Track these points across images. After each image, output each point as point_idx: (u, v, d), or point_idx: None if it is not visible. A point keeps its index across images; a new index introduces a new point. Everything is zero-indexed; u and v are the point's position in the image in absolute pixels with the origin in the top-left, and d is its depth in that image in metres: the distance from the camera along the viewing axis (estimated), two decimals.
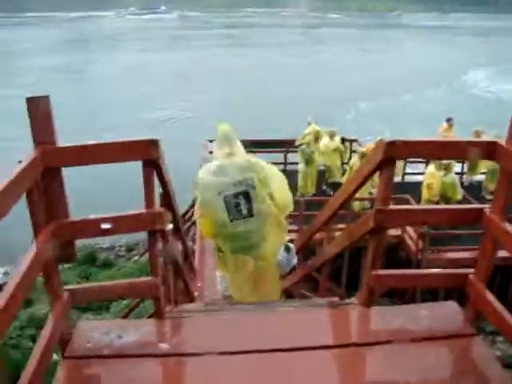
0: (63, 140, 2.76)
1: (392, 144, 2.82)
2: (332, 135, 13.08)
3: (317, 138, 13.14)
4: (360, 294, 3.33)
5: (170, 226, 3.26)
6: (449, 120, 13.75)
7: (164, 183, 3.37)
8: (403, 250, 11.47)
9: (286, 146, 14.66)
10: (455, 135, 13.68)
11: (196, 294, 6.58)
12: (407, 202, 11.12)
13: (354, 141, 15.00)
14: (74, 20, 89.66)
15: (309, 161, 12.64)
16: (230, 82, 38.41)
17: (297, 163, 14.64)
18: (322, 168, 13.42)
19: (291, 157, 14.80)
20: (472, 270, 2.99)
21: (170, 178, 3.56)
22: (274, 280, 4.44)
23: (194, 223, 11.13)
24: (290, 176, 14.06)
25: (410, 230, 11.22)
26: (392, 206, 3.03)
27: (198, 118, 28.52)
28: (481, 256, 2.90)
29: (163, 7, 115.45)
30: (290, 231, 10.54)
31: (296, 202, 10.82)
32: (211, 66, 43.65)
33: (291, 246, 4.44)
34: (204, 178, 3.90)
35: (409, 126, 26.48)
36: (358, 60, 48.17)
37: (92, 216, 2.90)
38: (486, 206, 2.88)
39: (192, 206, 12.90)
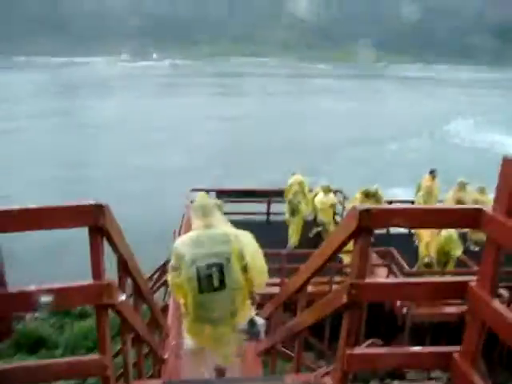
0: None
1: (367, 212, 2.53)
2: (327, 190, 12.60)
3: (302, 188, 12.94)
4: (333, 374, 2.99)
5: (123, 297, 2.87)
6: (432, 172, 13.54)
7: (117, 250, 3.03)
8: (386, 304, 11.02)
9: (270, 195, 14.42)
10: (438, 186, 13.56)
11: (166, 355, 6.12)
12: (391, 257, 10.80)
13: (339, 191, 14.72)
14: (65, 65, 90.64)
15: (295, 211, 12.53)
16: (220, 130, 38.56)
17: (280, 213, 14.47)
18: (309, 219, 13.24)
19: (274, 207, 14.60)
20: (457, 348, 2.67)
21: (126, 243, 3.23)
22: (235, 343, 4.31)
23: (164, 283, 10.85)
24: (273, 226, 14.06)
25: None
26: (368, 280, 2.71)
27: (188, 166, 28.32)
28: (467, 335, 2.58)
29: (155, 55, 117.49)
30: (272, 284, 10.43)
31: (278, 254, 10.80)
32: (202, 114, 43.89)
33: (256, 320, 4.26)
34: (179, 247, 3.86)
35: (394, 173, 26.49)
36: (345, 109, 48.74)
37: (31, 286, 2.55)
38: (472, 279, 2.57)
39: (161, 266, 12.70)
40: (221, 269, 3.78)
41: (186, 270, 3.78)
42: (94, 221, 2.48)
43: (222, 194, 13.86)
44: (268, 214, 14.56)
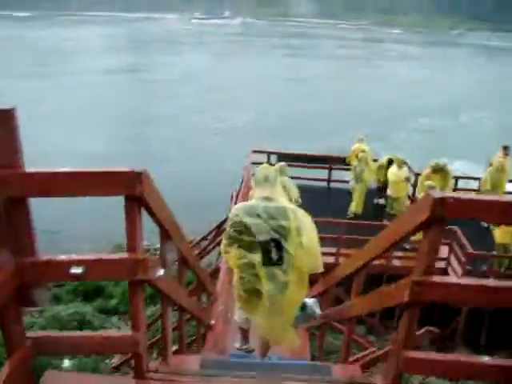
0: None
1: (442, 201, 2.13)
2: (401, 164, 11.81)
3: (364, 156, 12.40)
4: (385, 374, 2.65)
5: (161, 272, 2.62)
6: (505, 148, 12.61)
7: (157, 221, 2.76)
8: None
9: (331, 162, 13.95)
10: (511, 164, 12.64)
11: (213, 321, 5.96)
12: (454, 235, 10.18)
13: (404, 163, 13.98)
14: (138, 20, 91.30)
15: (358, 178, 12.08)
16: (286, 92, 37.83)
17: (341, 180, 14.03)
18: (372, 187, 12.81)
19: (335, 173, 14.16)
20: None
21: (168, 212, 2.95)
22: (290, 312, 3.96)
23: (218, 244, 10.64)
24: (334, 193, 13.63)
25: (457, 267, 10.25)
26: (435, 278, 2.32)
27: (250, 127, 28.03)
28: None
29: (227, 13, 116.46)
30: (329, 253, 10.10)
31: (337, 223, 10.40)
32: (269, 75, 43.20)
33: (309, 302, 4.17)
34: (239, 216, 3.67)
35: (462, 146, 25.20)
36: (417, 77, 46.62)
37: (61, 256, 2.34)
38: None
39: (216, 227, 12.55)
40: (279, 244, 3.61)
41: (246, 241, 3.63)
42: (131, 189, 2.20)
43: (283, 157, 13.47)
44: (329, 180, 14.10)
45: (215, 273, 8.97)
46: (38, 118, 26.44)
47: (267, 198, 3.69)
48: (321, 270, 3.85)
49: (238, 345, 4.85)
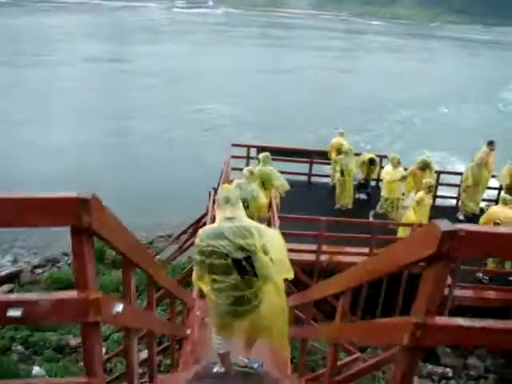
0: None
1: (451, 235, 1.75)
2: (395, 162, 11.12)
3: (338, 150, 12.32)
4: None
5: (119, 309, 2.22)
6: (490, 143, 12.32)
7: (116, 250, 2.35)
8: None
9: (312, 155, 13.59)
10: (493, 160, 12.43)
11: (188, 331, 5.58)
12: None
13: (384, 157, 13.68)
14: (118, 9, 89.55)
15: (344, 171, 11.64)
16: (267, 83, 37.29)
17: (322, 175, 13.74)
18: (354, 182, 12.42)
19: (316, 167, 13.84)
20: None
21: (128, 236, 2.52)
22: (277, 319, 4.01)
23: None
24: (315, 187, 13.29)
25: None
26: (438, 319, 1.95)
27: (232, 119, 27.55)
28: None
29: (211, 3, 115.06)
30: (309, 251, 9.78)
31: (317, 220, 10.05)
32: (249, 66, 42.55)
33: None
34: (202, 241, 3.69)
35: (443, 138, 25.11)
36: (398, 69, 46.42)
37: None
38: None
39: (193, 224, 12.16)
40: (250, 260, 3.60)
41: (218, 264, 3.64)
42: (76, 219, 1.80)
43: (263, 151, 13.09)
44: (310, 174, 13.76)
45: (189, 276, 8.53)
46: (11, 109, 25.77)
47: (230, 219, 3.70)
48: (291, 277, 3.92)
49: (216, 369, 4.53)
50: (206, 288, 3.86)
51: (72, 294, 1.96)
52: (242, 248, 3.57)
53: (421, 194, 10.02)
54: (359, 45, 64.60)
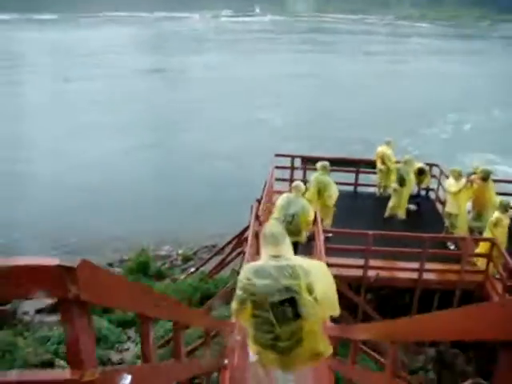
0: None
1: None
2: (456, 175, 10.25)
3: (382, 160, 11.89)
4: None
5: (127, 381, 1.83)
6: None
7: (123, 310, 1.96)
8: (481, 299, 9.41)
9: (359, 165, 13.03)
10: None
11: (226, 361, 5.19)
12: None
13: (435, 165, 12.95)
14: (163, 20, 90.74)
15: (403, 180, 11.05)
16: (314, 89, 36.79)
17: (367, 184, 13.17)
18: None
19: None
20: None
21: (135, 290, 2.13)
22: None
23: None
24: (360, 197, 12.72)
25: (493, 279, 9.26)
26: None
27: (274, 126, 27.20)
28: None
29: (257, 10, 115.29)
30: (355, 266, 9.25)
31: (364, 234, 9.47)
32: (295, 71, 42.14)
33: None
34: (247, 279, 3.60)
35: (493, 144, 23.92)
36: (446, 71, 44.96)
37: None
38: None
39: (237, 236, 11.82)
40: (293, 301, 3.48)
41: (258, 301, 3.56)
42: (61, 291, 1.42)
43: (307, 160, 12.63)
44: (356, 184, 13.19)
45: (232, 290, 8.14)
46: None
47: (276, 257, 3.59)
48: (337, 314, 3.77)
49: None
50: (243, 319, 3.83)
51: (63, 373, 1.59)
52: (286, 288, 3.47)
53: (497, 214, 9.13)
54: (406, 48, 63.13)
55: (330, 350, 3.86)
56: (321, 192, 9.69)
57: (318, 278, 3.61)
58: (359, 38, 71.04)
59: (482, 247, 9.39)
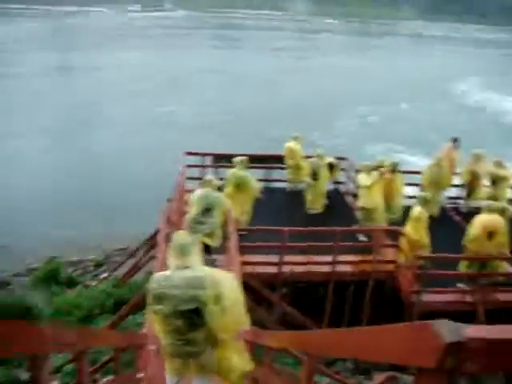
0: None
1: (458, 348, 1.11)
2: (369, 170, 10.26)
3: (291, 155, 11.99)
4: None
5: None
6: (455, 140, 12.15)
7: None
8: (392, 288, 9.61)
9: (269, 161, 12.92)
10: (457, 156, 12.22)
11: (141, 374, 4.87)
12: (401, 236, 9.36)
13: (344, 159, 13.13)
14: (71, 14, 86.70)
15: (316, 175, 11.16)
16: (223, 86, 36.49)
17: (279, 180, 13.09)
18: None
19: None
20: None
21: None
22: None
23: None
24: (273, 193, 12.57)
25: (403, 265, 9.46)
26: None
27: (189, 122, 26.72)
28: None
29: (167, 5, 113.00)
30: (270, 263, 9.13)
31: (280, 231, 9.34)
32: (203, 68, 41.57)
33: None
34: (156, 289, 3.67)
35: (400, 135, 24.92)
36: (353, 66, 46.28)
37: None
38: None
39: (148, 240, 11.42)
40: (199, 312, 3.54)
41: (166, 311, 3.59)
42: None
43: (219, 158, 12.39)
44: (268, 180, 13.06)
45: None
46: None
47: (183, 267, 3.62)
48: (247, 327, 3.87)
49: None
50: (156, 328, 3.84)
51: None
52: (192, 298, 3.51)
53: (419, 208, 9.21)
54: (314, 44, 64.38)
55: (249, 366, 3.86)
56: (240, 187, 9.64)
57: (227, 289, 3.65)
58: (269, 33, 71.51)
59: (405, 238, 9.42)
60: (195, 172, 12.31)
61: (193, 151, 12.64)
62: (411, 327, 1.33)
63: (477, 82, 41.01)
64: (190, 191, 10.13)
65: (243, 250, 8.62)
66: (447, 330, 1.14)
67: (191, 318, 3.55)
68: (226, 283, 3.70)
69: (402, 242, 9.27)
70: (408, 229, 9.23)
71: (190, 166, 12.16)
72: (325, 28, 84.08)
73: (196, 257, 3.74)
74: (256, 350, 5.60)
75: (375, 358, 1.62)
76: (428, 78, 40.73)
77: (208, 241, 7.70)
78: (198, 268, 3.68)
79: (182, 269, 3.63)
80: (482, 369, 1.18)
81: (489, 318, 8.69)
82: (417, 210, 9.19)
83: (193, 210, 7.85)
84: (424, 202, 9.31)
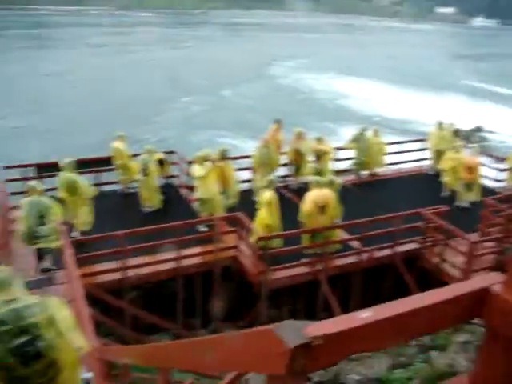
0: None
1: (305, 349, 1.06)
2: (202, 161, 10.10)
3: (118, 156, 11.66)
4: None
5: None
6: (278, 122, 12.78)
7: None
8: (239, 272, 9.76)
9: (96, 165, 12.17)
10: (282, 137, 12.83)
11: None
12: (240, 223, 9.50)
13: (173, 152, 12.99)
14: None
15: (146, 170, 11.00)
16: (38, 87, 33.95)
17: (110, 182, 12.45)
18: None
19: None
20: None
21: None
22: None
23: None
24: (107, 198, 11.90)
25: (245, 249, 9.62)
26: None
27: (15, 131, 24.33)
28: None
29: None
30: (110, 270, 8.66)
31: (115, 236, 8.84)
32: (16, 70, 38.28)
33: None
34: None
35: (226, 122, 25.49)
36: (172, 58, 46.17)
37: None
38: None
39: None
40: (33, 342, 3.29)
41: None
42: None
43: (41, 168, 11.39)
44: (98, 184, 12.19)
45: None
46: None
47: (7, 301, 3.34)
48: (87, 349, 3.66)
49: None
50: None
51: None
52: (23, 330, 3.25)
53: (268, 193, 9.29)
54: (132, 38, 62.85)
55: None
56: (72, 191, 9.32)
57: (57, 311, 3.47)
58: (83, 30, 68.22)
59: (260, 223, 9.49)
60: (19, 186, 11.06)
61: (13, 164, 11.46)
62: (253, 335, 1.26)
63: (291, 64, 43.63)
64: (16, 207, 9.30)
65: (83, 262, 8.08)
66: (289, 334, 1.09)
67: (26, 352, 3.29)
68: (55, 306, 3.51)
69: (256, 227, 9.34)
70: (261, 213, 9.39)
71: (10, 181, 11.00)
72: (142, 21, 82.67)
73: (19, 287, 3.51)
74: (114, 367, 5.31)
75: (226, 370, 1.53)
76: (247, 65, 42.30)
77: (45, 244, 7.71)
78: (23, 298, 3.44)
79: (8, 302, 3.36)
80: (329, 363, 1.15)
81: (331, 284, 9.32)
82: (267, 195, 9.35)
83: (24, 221, 7.64)
84: (269, 184, 9.58)
